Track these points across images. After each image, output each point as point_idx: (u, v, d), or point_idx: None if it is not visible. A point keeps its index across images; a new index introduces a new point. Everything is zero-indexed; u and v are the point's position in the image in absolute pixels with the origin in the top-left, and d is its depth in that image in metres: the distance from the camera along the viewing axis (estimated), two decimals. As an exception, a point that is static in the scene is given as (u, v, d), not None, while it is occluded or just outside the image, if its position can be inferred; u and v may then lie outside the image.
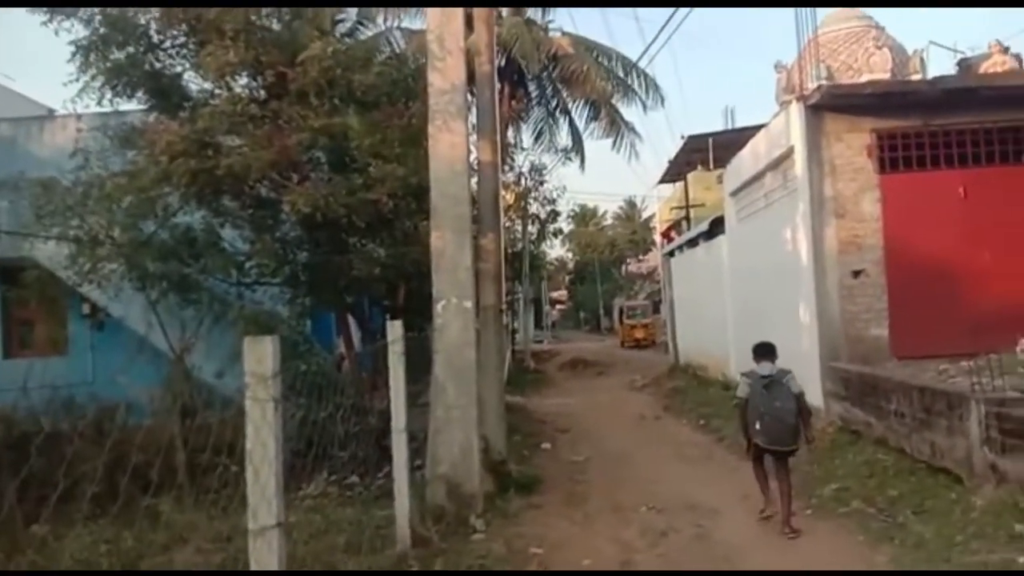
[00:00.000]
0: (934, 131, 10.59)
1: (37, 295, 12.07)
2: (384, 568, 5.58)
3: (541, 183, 26.15)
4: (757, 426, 6.88)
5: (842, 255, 10.56)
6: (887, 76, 12.36)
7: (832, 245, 10.60)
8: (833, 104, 10.59)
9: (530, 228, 28.77)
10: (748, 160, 14.28)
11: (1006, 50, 12.64)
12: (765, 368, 6.94)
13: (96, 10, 10.05)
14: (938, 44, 15.05)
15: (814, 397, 10.59)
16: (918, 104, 10.49)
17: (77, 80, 10.14)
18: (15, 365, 13.06)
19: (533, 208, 27.51)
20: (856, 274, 10.53)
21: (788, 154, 11.64)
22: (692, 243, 21.50)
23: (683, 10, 14.80)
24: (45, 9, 9.91)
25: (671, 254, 25.66)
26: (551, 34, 21.50)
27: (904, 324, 10.30)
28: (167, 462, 7.54)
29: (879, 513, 6.72)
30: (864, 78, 12.23)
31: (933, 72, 12.62)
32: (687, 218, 27.36)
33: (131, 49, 10.29)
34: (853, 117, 10.68)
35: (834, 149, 10.71)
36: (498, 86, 11.88)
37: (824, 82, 11.41)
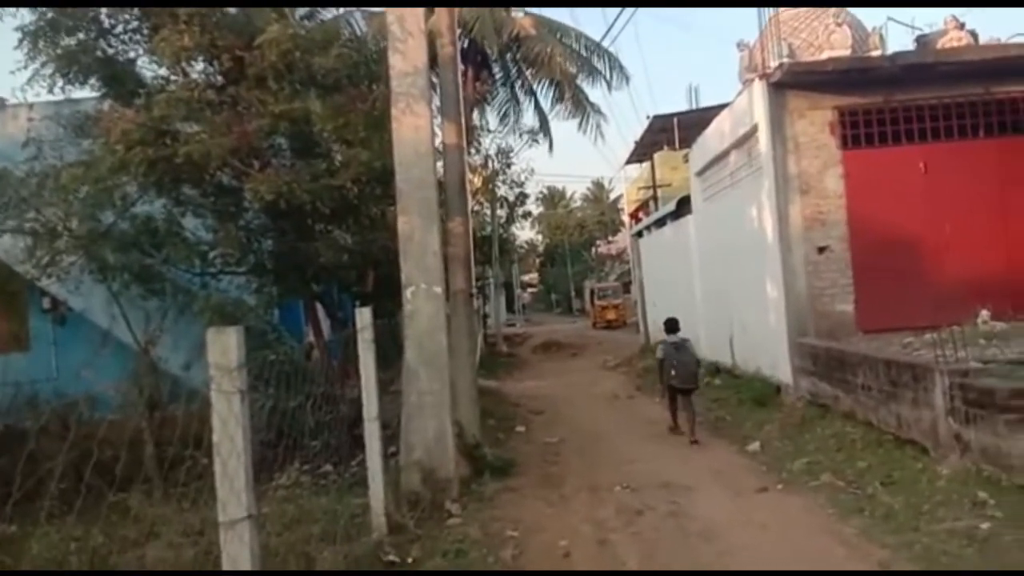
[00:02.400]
0: (894, 107, 10.73)
1: (-5, 290, 11.76)
2: (360, 556, 5.54)
3: (508, 166, 26.04)
4: (673, 373, 10.20)
5: (807, 231, 10.67)
6: (847, 53, 12.44)
7: (797, 222, 10.70)
8: (795, 81, 10.66)
9: (499, 211, 28.67)
10: (713, 139, 14.34)
11: (962, 26, 12.79)
12: (674, 337, 10.56)
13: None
14: (896, 21, 15.19)
15: (783, 373, 10.76)
16: (878, 80, 10.60)
17: (26, 67, 9.82)
18: (-26, 363, 12.70)
19: (501, 191, 27.41)
20: (821, 250, 10.66)
21: (752, 132, 11.72)
22: (660, 223, 21.61)
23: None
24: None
25: (639, 234, 25.78)
26: (514, 15, 21.32)
27: (869, 298, 10.46)
28: (134, 456, 7.40)
29: (848, 486, 6.84)
30: (825, 55, 12.30)
31: (892, 48, 12.75)
32: (655, 198, 27.50)
33: (82, 35, 9.99)
34: (815, 94, 10.77)
35: (797, 126, 10.79)
36: (461, 68, 11.77)
37: (786, 60, 11.46)
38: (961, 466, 6.32)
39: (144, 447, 8.41)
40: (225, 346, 3.25)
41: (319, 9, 13.40)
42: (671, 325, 10.81)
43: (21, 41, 9.78)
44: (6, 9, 9.67)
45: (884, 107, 10.73)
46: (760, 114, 11.08)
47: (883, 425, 7.85)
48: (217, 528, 3.31)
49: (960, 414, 6.45)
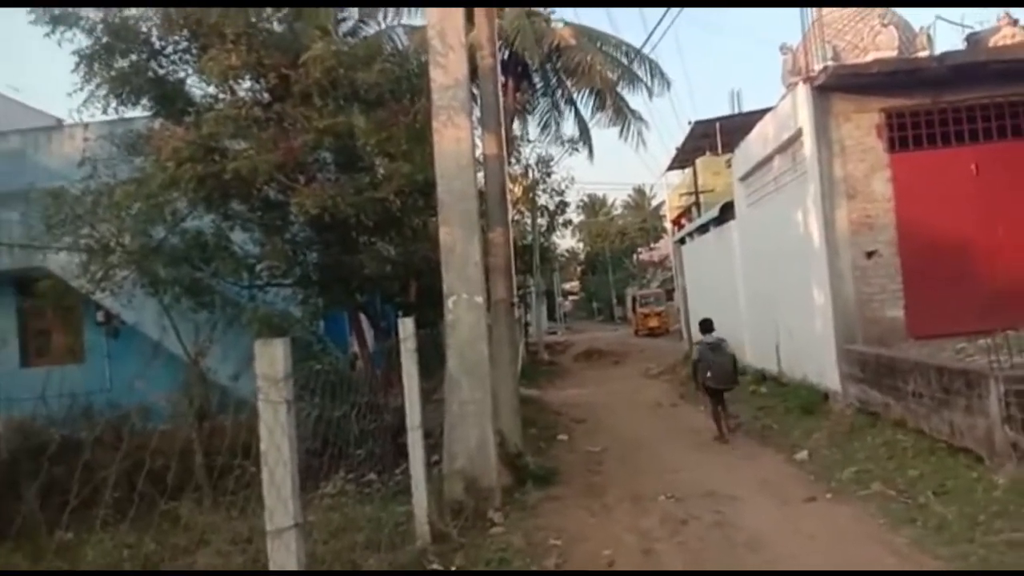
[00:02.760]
0: (943, 108, 10.48)
1: (52, 304, 12.19)
2: (405, 564, 5.59)
3: (548, 174, 26.09)
4: (708, 374, 10.48)
5: (854, 236, 10.47)
6: (894, 54, 12.19)
7: (844, 226, 10.51)
8: (840, 84, 10.49)
9: (539, 220, 28.70)
10: (756, 144, 14.17)
11: (1015, 22, 12.44)
12: (710, 337, 10.79)
13: (98, 19, 10.09)
14: (945, 20, 14.88)
15: (831, 380, 10.56)
16: (926, 81, 10.37)
17: (82, 89, 10.21)
18: (33, 374, 13.18)
19: (542, 200, 27.45)
20: (869, 255, 10.44)
21: (796, 136, 11.55)
22: (703, 229, 21.39)
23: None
24: (47, 20, 9.94)
25: (682, 241, 25.55)
26: (553, 25, 21.41)
27: (920, 304, 10.21)
28: (185, 465, 7.58)
29: (899, 495, 6.66)
30: (870, 57, 12.08)
31: (941, 48, 12.45)
32: (697, 204, 27.22)
33: (134, 56, 10.34)
34: (861, 97, 10.58)
35: (843, 130, 10.61)
36: (502, 79, 11.86)
37: (830, 63, 11.29)
38: (1018, 475, 6.12)
39: (194, 456, 8.60)
40: (272, 357, 3.32)
41: (362, 25, 13.68)
42: (706, 326, 11.07)
43: (78, 64, 10.16)
44: (64, 34, 10.03)
45: (933, 108, 10.49)
46: (804, 118, 10.93)
47: (935, 433, 7.65)
48: (265, 536, 3.38)
49: (1017, 422, 6.26)
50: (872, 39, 12.91)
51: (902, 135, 10.57)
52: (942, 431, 7.51)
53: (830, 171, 10.59)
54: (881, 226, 10.47)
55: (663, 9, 26.18)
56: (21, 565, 5.66)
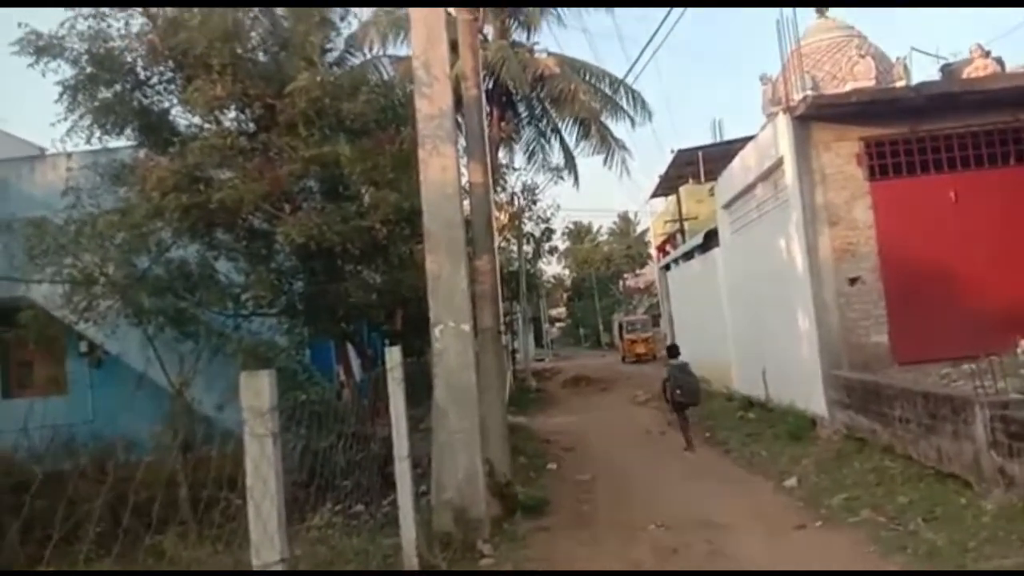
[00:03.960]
0: (921, 137, 10.66)
1: (35, 335, 12.01)
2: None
3: (534, 202, 26.23)
4: (678, 391, 12.28)
5: (837, 263, 10.58)
6: (872, 84, 12.45)
7: (827, 253, 10.62)
8: (819, 114, 10.66)
9: (525, 247, 28.79)
10: (739, 172, 14.34)
11: (987, 54, 12.75)
12: (677, 361, 12.92)
13: (83, 49, 10.09)
14: (920, 51, 15.21)
15: (817, 406, 10.59)
16: (904, 111, 10.57)
17: (66, 119, 10.18)
18: (15, 405, 12.99)
19: (528, 227, 27.57)
20: (852, 281, 10.54)
21: (778, 165, 11.70)
22: (687, 256, 21.55)
23: (666, 25, 15.02)
24: (31, 51, 9.94)
25: (667, 268, 25.71)
26: (537, 55, 21.63)
27: (904, 329, 10.30)
28: (170, 498, 7.47)
29: (889, 522, 6.65)
30: (849, 87, 12.33)
31: (917, 78, 12.74)
32: (682, 231, 27.43)
33: (118, 87, 10.33)
34: (840, 126, 10.75)
35: (823, 158, 10.76)
36: (487, 109, 11.96)
37: (810, 93, 11.48)
38: (1007, 501, 6.14)
39: (179, 489, 8.47)
40: (258, 389, 3.29)
41: (348, 55, 13.78)
42: (673, 351, 13.58)
43: (61, 94, 10.14)
44: (47, 65, 10.02)
45: (911, 137, 10.67)
46: (785, 147, 11.08)
47: (923, 459, 7.67)
48: (251, 571, 3.32)
49: (1003, 447, 6.29)
50: (850, 69, 13.17)
51: (882, 163, 10.73)
52: (930, 457, 7.54)
53: (812, 199, 10.71)
54: (863, 253, 10.59)
55: (644, 40, 26.46)
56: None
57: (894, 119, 10.62)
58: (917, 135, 10.65)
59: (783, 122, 11.07)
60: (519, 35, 22.18)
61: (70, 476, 8.40)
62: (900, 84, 12.45)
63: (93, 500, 6.33)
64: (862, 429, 9.28)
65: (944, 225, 10.43)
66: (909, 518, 6.59)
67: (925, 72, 14.42)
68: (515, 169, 24.05)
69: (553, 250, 34.85)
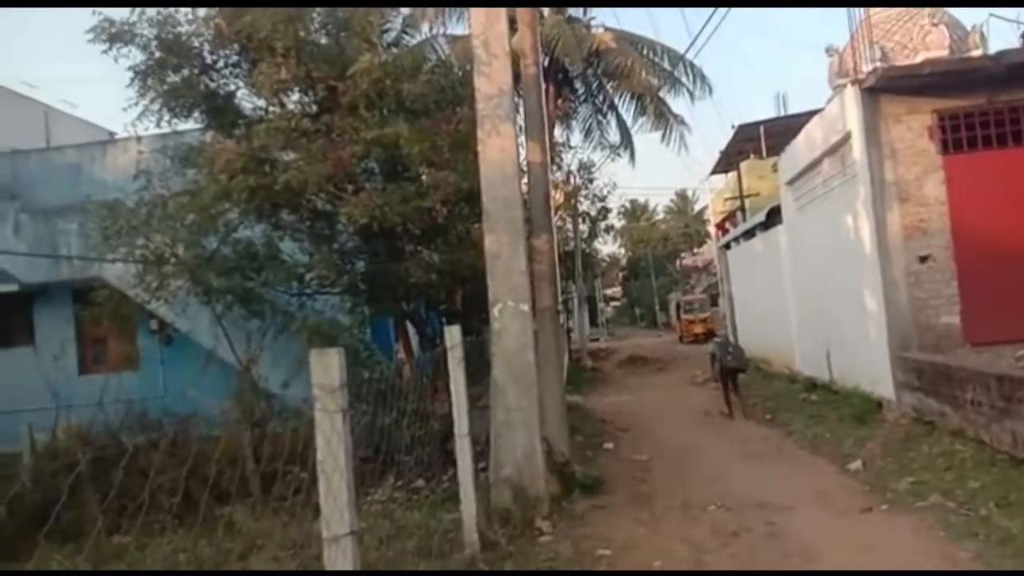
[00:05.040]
0: (999, 108, 10.22)
1: (108, 314, 12.50)
2: (453, 571, 5.61)
3: (590, 180, 26.04)
4: (729, 357, 13.63)
5: (907, 241, 10.24)
6: (945, 54, 11.93)
7: (896, 231, 10.29)
8: (890, 86, 10.29)
9: (581, 226, 28.64)
10: (803, 147, 13.96)
11: (1074, 18, 12.09)
12: (719, 338, 15.73)
13: (152, 36, 10.36)
14: (999, 17, 14.41)
15: (884, 388, 10.33)
16: (981, 81, 10.12)
17: (136, 104, 10.46)
18: (90, 381, 13.54)
19: (583, 206, 27.41)
20: (923, 260, 10.21)
21: (845, 139, 11.35)
22: (748, 234, 21.13)
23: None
24: (104, 39, 10.25)
25: (727, 246, 25.26)
26: (593, 31, 21.38)
27: (977, 309, 9.94)
28: (239, 472, 7.73)
29: (959, 507, 6.47)
30: (920, 57, 11.84)
31: (995, 47, 12.14)
32: (742, 209, 26.87)
33: (186, 71, 10.58)
34: (912, 98, 10.36)
35: (893, 132, 10.40)
36: (544, 86, 11.88)
37: (879, 64, 11.08)
38: (1086, 488, 5.91)
39: (247, 463, 8.75)
40: (328, 367, 3.37)
41: (405, 35, 13.83)
42: (710, 334, 17.15)
43: (132, 80, 10.44)
44: (119, 51, 10.32)
45: (988, 109, 10.23)
46: (853, 121, 10.73)
47: (996, 443, 7.42)
48: (319, 542, 3.42)
49: (1083, 432, 6.04)
50: (922, 39, 12.64)
51: (956, 136, 10.32)
52: (1003, 441, 7.29)
53: (881, 174, 10.38)
54: (935, 230, 10.23)
55: (707, 11, 25.87)
56: (84, 567, 5.82)
57: (970, 90, 10.19)
58: (995, 106, 10.20)
59: (851, 95, 10.72)
60: (576, 10, 21.94)
61: (144, 449, 8.77)
62: (976, 53, 11.90)
63: (167, 473, 6.61)
64: (931, 412, 9.02)
65: (1021, 200, 9.99)
66: (980, 503, 6.41)
67: (1004, 40, 13.77)
68: (571, 147, 23.93)
69: (609, 229, 34.47)
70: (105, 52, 10.30)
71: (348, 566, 3.36)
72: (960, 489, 6.89)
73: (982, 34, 12.76)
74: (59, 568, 5.97)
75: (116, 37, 10.22)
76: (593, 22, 21.94)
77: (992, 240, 9.95)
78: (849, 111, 10.88)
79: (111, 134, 18.54)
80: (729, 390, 13.54)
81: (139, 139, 11.97)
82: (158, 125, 10.69)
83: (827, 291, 13.11)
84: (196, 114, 10.96)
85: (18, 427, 11.89)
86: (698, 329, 37.74)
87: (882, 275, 10.28)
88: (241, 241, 10.91)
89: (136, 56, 10.42)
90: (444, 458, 7.76)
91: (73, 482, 7.53)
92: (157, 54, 10.39)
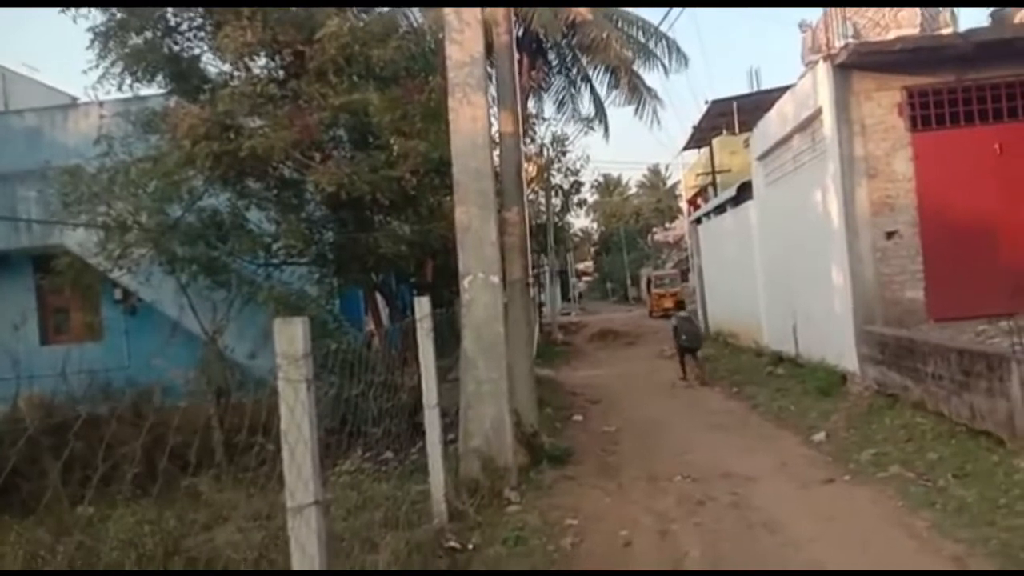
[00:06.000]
0: (967, 86, 10.29)
1: (70, 282, 12.25)
2: (422, 542, 5.61)
3: (563, 153, 25.95)
4: (684, 337, 14.83)
5: (875, 216, 10.35)
6: (916, 31, 11.99)
7: (864, 206, 10.38)
8: (861, 62, 10.31)
9: (554, 200, 28.58)
10: (775, 123, 14.00)
11: (1042, -1, 12.19)
12: (683, 313, 18.46)
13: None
14: (970, -5, 14.54)
15: (849, 362, 10.49)
16: (950, 59, 10.18)
17: (97, 67, 10.22)
18: (52, 352, 13.30)
19: (556, 179, 27.33)
20: (889, 235, 10.33)
21: (816, 115, 11.40)
22: (719, 209, 21.24)
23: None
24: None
25: (698, 221, 25.39)
26: (569, 2, 21.17)
27: (940, 285, 10.10)
28: (204, 442, 7.65)
29: (918, 477, 6.61)
30: (892, 34, 11.87)
31: (965, 25, 12.25)
32: (713, 184, 27.00)
33: (149, 34, 10.32)
34: (882, 75, 10.41)
35: (864, 108, 10.45)
36: (517, 56, 11.73)
37: (851, 40, 11.10)
38: (1040, 459, 6.06)
39: (213, 433, 8.67)
40: (292, 336, 3.31)
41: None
42: (680, 305, 19.07)
43: (92, 41, 10.14)
44: (79, 11, 10.00)
45: (956, 87, 10.31)
46: (824, 96, 10.77)
47: (955, 416, 7.58)
48: (285, 513, 3.39)
49: (1039, 405, 6.18)
50: (893, 16, 12.67)
51: (924, 114, 10.40)
52: (962, 414, 7.45)
53: (850, 150, 10.44)
54: (902, 206, 10.34)
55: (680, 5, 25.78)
56: (44, 539, 5.73)
57: (939, 68, 10.25)
58: (963, 84, 10.28)
59: (823, 71, 10.74)
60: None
61: (107, 419, 8.64)
62: (947, 31, 11.97)
63: (130, 443, 6.50)
64: (894, 385, 9.19)
65: (987, 178, 10.13)
66: (939, 474, 6.55)
67: (973, 19, 13.89)
68: (544, 119, 23.80)
69: (582, 203, 34.46)
70: (62, 12, 9.98)
71: (312, 536, 3.33)
72: (920, 460, 7.04)
73: (952, 12, 12.83)
74: (16, 539, 5.86)
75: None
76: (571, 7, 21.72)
77: (957, 218, 10.09)
78: (820, 87, 10.91)
79: (73, 99, 18.03)
80: (685, 361, 14.96)
81: (101, 104, 11.67)
82: (119, 89, 10.46)
83: (795, 266, 13.24)
84: (159, 78, 10.72)
85: (-24, 397, 11.64)
86: (668, 304, 37.95)
87: (849, 250, 10.39)
88: (206, 209, 10.73)
89: (96, 17, 10.12)
90: (413, 430, 7.75)
91: (33, 452, 7.40)
92: (118, 15, 10.10)
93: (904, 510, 5.99)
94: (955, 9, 12.93)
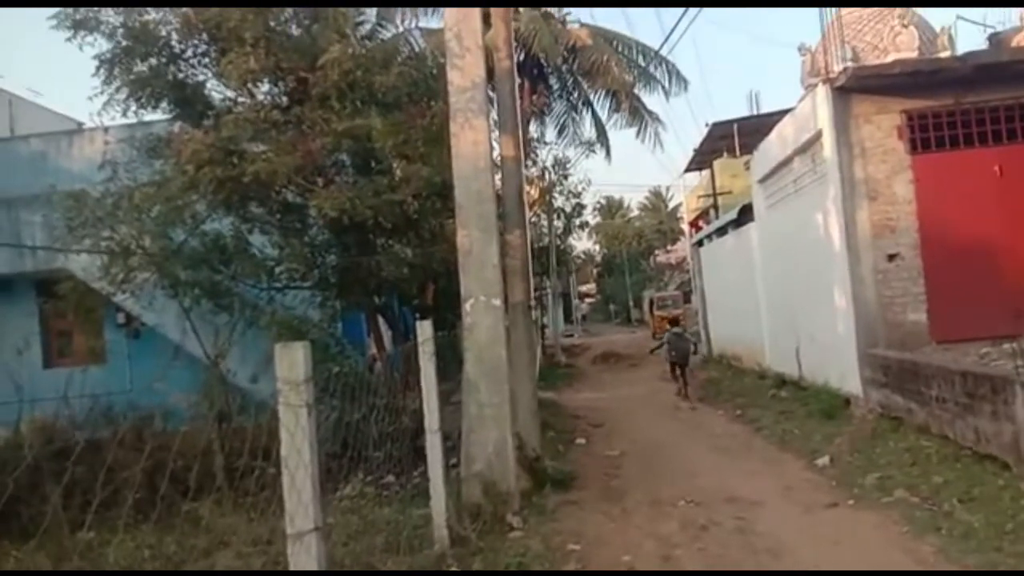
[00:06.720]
0: (966, 109, 10.35)
1: (73, 306, 12.28)
2: (424, 567, 5.57)
3: (565, 177, 26.06)
4: (673, 353, 15.96)
5: (876, 239, 10.37)
6: (914, 55, 12.08)
7: (865, 229, 10.41)
8: (860, 86, 10.39)
9: (556, 222, 28.65)
10: (775, 146, 14.07)
11: (1039, 22, 12.29)
12: (677, 330, 16.83)
13: (118, 23, 10.18)
14: (966, 19, 14.65)
15: (852, 385, 10.45)
16: (949, 82, 10.25)
17: (102, 93, 10.32)
18: (55, 375, 13.29)
19: (558, 202, 27.42)
20: (891, 258, 10.33)
21: (816, 138, 11.45)
22: (721, 232, 21.28)
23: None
24: (69, 25, 10.04)
25: (700, 243, 25.42)
26: (569, 26, 21.40)
27: (943, 307, 10.08)
28: (205, 467, 7.62)
29: (924, 502, 6.57)
30: (891, 58, 11.97)
31: (963, 48, 12.32)
32: (715, 206, 27.04)
33: (153, 60, 10.42)
34: (882, 98, 10.48)
35: (863, 131, 10.51)
36: (518, 81, 11.83)
37: (850, 63, 11.19)
38: (1046, 483, 6.02)
39: (214, 457, 8.64)
40: (292, 361, 3.31)
41: (380, 28, 13.72)
42: (674, 322, 18.16)
43: (98, 68, 10.25)
44: (85, 38, 10.12)
45: (955, 109, 10.37)
46: (824, 119, 10.83)
47: (960, 439, 7.54)
48: (283, 538, 3.37)
49: (1044, 428, 6.15)
50: (892, 39, 12.78)
51: (924, 136, 10.45)
52: (967, 437, 7.40)
53: (851, 173, 10.49)
54: (903, 228, 10.36)
55: (680, 10, 25.98)
56: (44, 565, 5.70)
57: (938, 91, 10.32)
58: (962, 107, 10.34)
59: (822, 94, 10.82)
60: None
61: (109, 443, 8.61)
62: (945, 54, 12.06)
63: (131, 467, 6.48)
64: (897, 408, 9.15)
65: (988, 200, 10.16)
66: (944, 498, 6.50)
67: (971, 42, 13.99)
68: (546, 143, 23.92)
69: (584, 225, 34.57)
70: (69, 40, 10.10)
71: (312, 563, 3.31)
72: (925, 484, 6.99)
73: (950, 36, 12.93)
74: (17, 566, 5.83)
75: (80, 24, 10.04)
76: (569, 18, 21.95)
77: (958, 239, 10.10)
78: (820, 110, 10.98)
79: (79, 124, 18.19)
80: (676, 375, 16.11)
81: (106, 129, 11.78)
82: (124, 115, 10.56)
83: (797, 288, 13.24)
84: (164, 104, 10.81)
85: (-21, 421, 11.59)
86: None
87: (851, 273, 10.40)
88: (209, 234, 10.78)
89: (102, 44, 10.24)
90: (415, 454, 7.71)
91: (34, 477, 7.37)
92: (124, 42, 10.22)
93: (910, 535, 5.94)
94: (953, 32, 13.04)
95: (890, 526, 6.22)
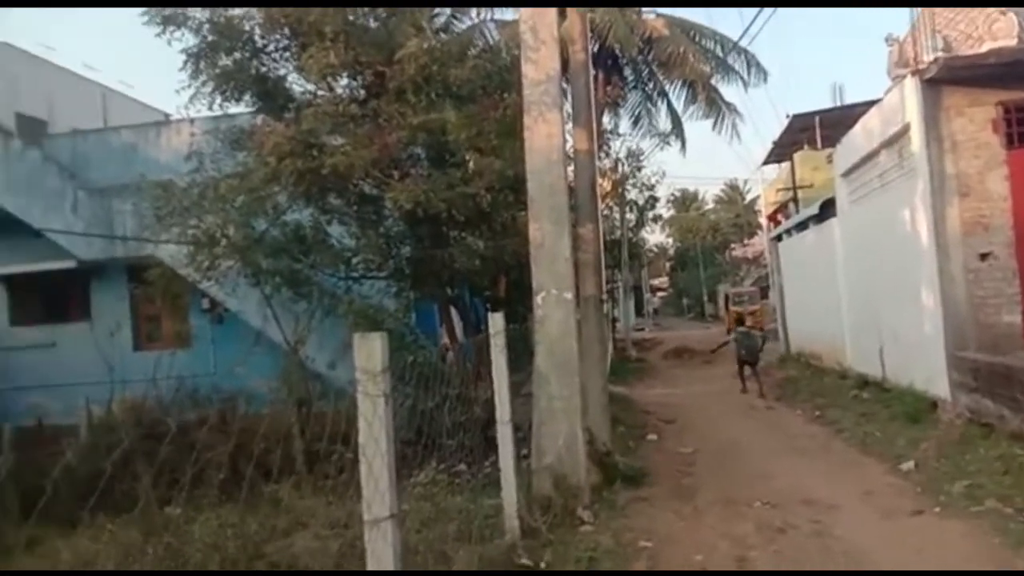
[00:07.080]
0: (1070, 100, 9.76)
1: (161, 292, 12.82)
2: (494, 557, 5.61)
3: (639, 168, 25.76)
4: (743, 352, 16.44)
5: (967, 237, 9.89)
6: (1013, 43, 11.44)
7: (955, 226, 9.94)
8: (952, 77, 9.90)
9: (628, 215, 28.37)
10: (860, 139, 13.58)
11: None
12: (743, 328, 18.14)
13: (204, 19, 10.53)
14: (1073, 3, 13.78)
15: (939, 388, 10.02)
16: (1051, 72, 9.68)
17: (189, 86, 10.68)
18: (144, 357, 13.92)
19: (631, 195, 27.13)
20: (983, 257, 9.85)
21: (904, 131, 10.99)
22: (801, 226, 20.68)
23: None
24: (158, 20, 10.44)
25: (779, 238, 24.77)
26: (645, 17, 21.07)
27: (1040, 309, 9.56)
28: (286, 450, 7.85)
29: (1017, 513, 6.23)
30: (986, 47, 11.36)
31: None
32: (795, 200, 26.32)
33: (238, 55, 10.74)
34: (975, 89, 9.97)
35: (955, 124, 10.03)
36: (593, 73, 11.73)
37: (941, 54, 10.68)
38: None
39: (294, 441, 8.90)
40: (371, 351, 3.37)
41: (454, 20, 13.81)
42: (740, 320, 20.68)
43: (185, 63, 10.63)
44: (173, 34, 10.51)
45: (1058, 101, 9.79)
46: (913, 112, 10.38)
47: (1057, 448, 7.15)
48: (361, 521, 3.45)
49: None
50: (988, 28, 12.13)
51: (1021, 131, 9.91)
52: (1065, 446, 7.01)
53: (940, 168, 10.03)
54: (996, 227, 9.86)
55: (760, 6, 25.30)
56: (135, 539, 5.97)
57: (1039, 81, 9.76)
58: (1065, 99, 9.76)
59: (911, 86, 10.37)
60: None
61: (195, 426, 8.97)
62: (1047, 42, 11.39)
63: (216, 448, 6.74)
64: (988, 414, 8.72)
65: (1091, 197, 9.57)
66: (1040, 510, 6.18)
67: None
68: (619, 135, 23.67)
69: (657, 218, 34.13)
70: (159, 35, 10.50)
71: (388, 549, 3.37)
72: (1019, 495, 6.62)
73: (1053, 22, 12.21)
74: (111, 537, 6.14)
75: (169, 19, 10.41)
76: (644, 8, 21.61)
77: (1058, 237, 9.56)
78: (908, 102, 10.53)
79: (166, 115, 18.94)
80: (744, 373, 16.45)
81: (192, 121, 12.23)
82: (210, 108, 10.91)
83: (881, 286, 12.76)
84: (247, 97, 11.12)
85: (76, 400, 12.24)
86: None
87: (939, 271, 9.96)
88: (290, 224, 11.07)
89: (189, 39, 10.61)
90: (485, 444, 7.76)
91: (126, 455, 7.74)
92: (209, 37, 10.56)
93: (1001, 547, 5.65)
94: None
95: (980, 537, 5.94)
